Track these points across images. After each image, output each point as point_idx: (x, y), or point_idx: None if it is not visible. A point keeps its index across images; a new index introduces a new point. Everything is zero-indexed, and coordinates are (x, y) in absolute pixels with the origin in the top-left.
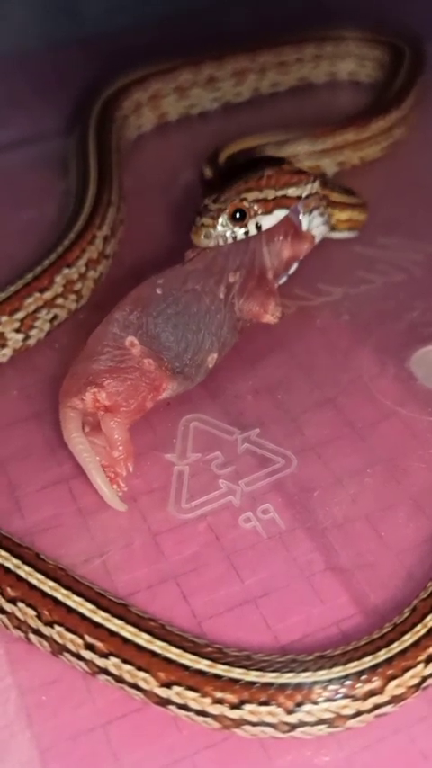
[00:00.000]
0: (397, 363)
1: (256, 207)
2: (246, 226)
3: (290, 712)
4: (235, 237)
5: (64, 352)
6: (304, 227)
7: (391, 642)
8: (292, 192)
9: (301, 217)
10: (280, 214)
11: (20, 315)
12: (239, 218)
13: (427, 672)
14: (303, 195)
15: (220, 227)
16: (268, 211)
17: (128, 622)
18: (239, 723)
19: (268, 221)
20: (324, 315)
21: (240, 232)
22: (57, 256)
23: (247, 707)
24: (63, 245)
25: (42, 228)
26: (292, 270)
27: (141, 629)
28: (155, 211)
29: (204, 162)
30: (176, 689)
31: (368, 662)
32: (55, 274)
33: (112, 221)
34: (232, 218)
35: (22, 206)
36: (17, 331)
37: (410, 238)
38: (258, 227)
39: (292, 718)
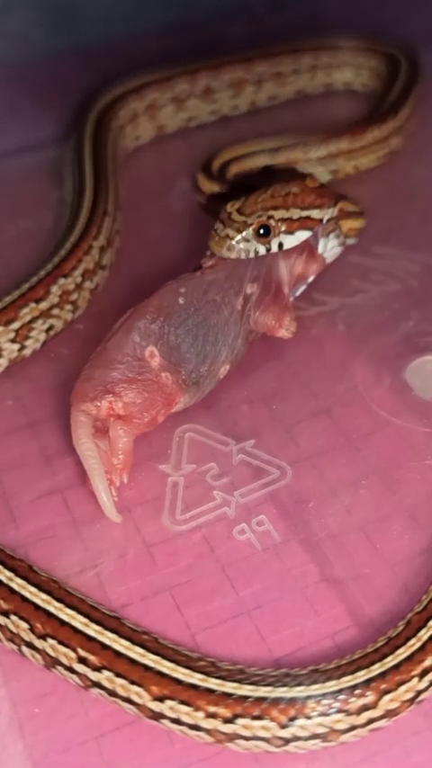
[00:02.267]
0: (392, 374)
1: (281, 226)
2: (269, 243)
3: (283, 727)
4: (257, 253)
5: (60, 363)
6: (320, 249)
7: (385, 656)
8: (315, 214)
9: (319, 239)
10: (302, 236)
11: (15, 325)
12: (263, 234)
13: (420, 686)
14: (325, 219)
15: (243, 242)
16: (291, 232)
17: (121, 635)
18: (232, 737)
19: (290, 242)
20: (319, 325)
21: (262, 249)
22: (53, 266)
23: (241, 721)
24: (59, 255)
25: (38, 238)
26: (299, 291)
27: (134, 643)
28: (151, 222)
29: (198, 169)
30: (169, 703)
31: (362, 676)
32: (51, 284)
33: (108, 231)
34: (257, 234)
35: (18, 215)
36: (13, 341)
37: (406, 248)
38: (280, 245)
39: (286, 733)
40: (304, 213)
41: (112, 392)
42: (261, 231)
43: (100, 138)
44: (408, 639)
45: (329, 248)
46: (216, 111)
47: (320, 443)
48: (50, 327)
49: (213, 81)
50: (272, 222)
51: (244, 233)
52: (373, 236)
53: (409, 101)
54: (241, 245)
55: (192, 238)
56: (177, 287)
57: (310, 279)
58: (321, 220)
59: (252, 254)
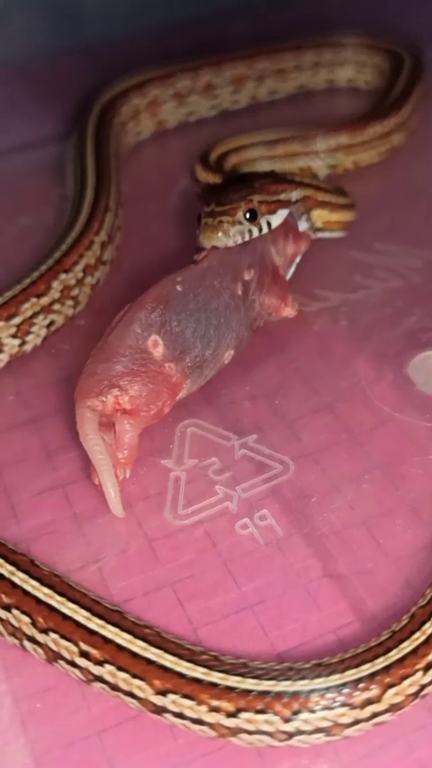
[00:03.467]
0: (395, 369)
1: (262, 207)
2: (258, 224)
3: (287, 721)
4: (251, 234)
5: (61, 358)
6: (301, 228)
7: (389, 650)
8: (283, 197)
9: (297, 220)
10: (283, 213)
11: (17, 320)
12: (251, 217)
13: (425, 680)
14: (293, 200)
15: (237, 225)
16: (272, 211)
17: (123, 629)
18: (236, 731)
19: (275, 219)
20: (322, 321)
21: (255, 230)
22: (54, 262)
23: (244, 715)
24: (60, 250)
25: (40, 234)
26: (293, 267)
27: (136, 637)
28: (152, 217)
29: (196, 161)
30: (172, 697)
31: (366, 670)
32: (52, 280)
33: (109, 227)
34: (245, 217)
35: (19, 211)
36: (14, 336)
37: (408, 244)
38: (269, 224)
39: (289, 727)
40: (274, 197)
41: (117, 386)
42: (248, 215)
43: (102, 134)
44: (412, 633)
45: (306, 228)
46: (216, 106)
47: (323, 438)
48: (51, 323)
49: (215, 77)
50: (255, 204)
51: (236, 216)
52: (376, 232)
53: (411, 97)
54: (235, 227)
55: (193, 233)
56: (174, 276)
57: (298, 259)
58: (290, 201)
59: (246, 236)
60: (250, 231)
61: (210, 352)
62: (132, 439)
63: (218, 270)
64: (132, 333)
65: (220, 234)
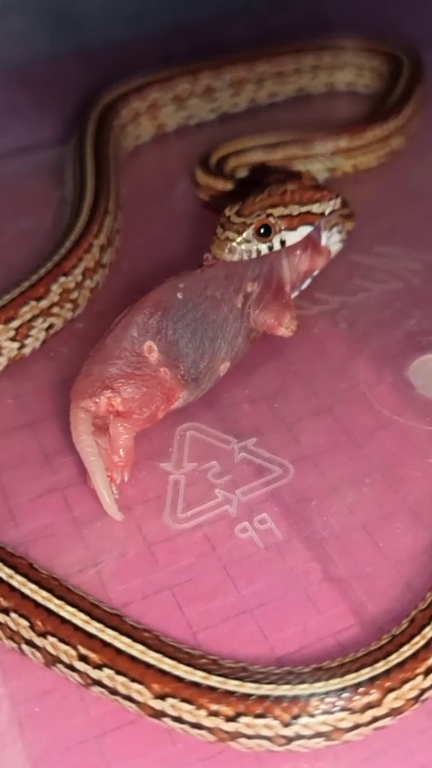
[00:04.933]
0: (395, 372)
1: (281, 223)
2: (270, 241)
3: (286, 725)
4: (259, 253)
5: (59, 361)
6: (323, 242)
7: (389, 654)
8: (315, 208)
9: (321, 232)
10: (304, 231)
11: (15, 323)
12: (264, 233)
13: (425, 684)
14: (327, 212)
15: (244, 243)
16: (293, 228)
17: (121, 633)
18: (235, 736)
19: (292, 238)
20: (321, 323)
21: (264, 247)
22: (53, 265)
23: (243, 719)
24: (59, 253)
25: (39, 236)
26: (305, 284)
27: (135, 640)
28: (152, 221)
29: (196, 164)
30: (171, 701)
31: (366, 674)
32: (51, 283)
33: (109, 230)
34: (257, 234)
35: (19, 214)
36: (12, 339)
37: (408, 247)
38: (282, 242)
39: (289, 731)
40: (304, 209)
41: (110, 388)
42: (261, 231)
43: (101, 137)
44: (412, 637)
45: (333, 242)
46: (216, 109)
47: (322, 442)
48: (50, 326)
49: (214, 80)
50: (271, 220)
51: (244, 234)
52: (375, 234)
53: (411, 101)
54: (242, 246)
55: (192, 237)
56: (176, 282)
57: (316, 272)
58: (322, 214)
59: (254, 255)
60: (258, 251)
61: (204, 364)
62: (127, 441)
63: (222, 280)
64: (129, 336)
65: (225, 250)
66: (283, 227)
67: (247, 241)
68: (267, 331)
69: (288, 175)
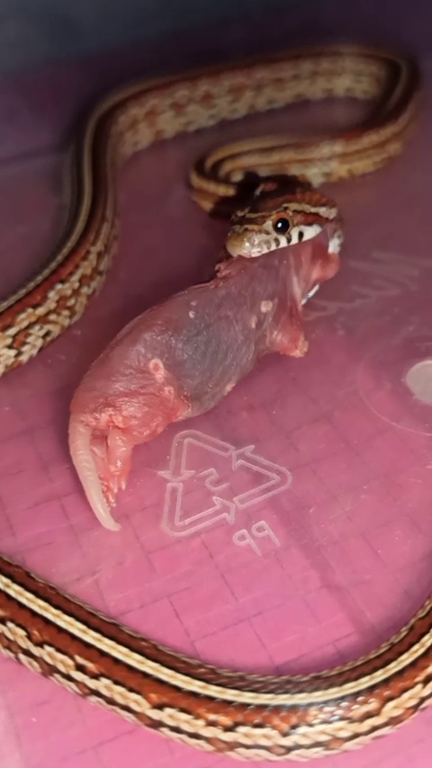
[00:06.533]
0: (393, 378)
1: (298, 217)
2: (289, 234)
3: (285, 735)
4: (277, 244)
5: (57, 369)
6: (331, 249)
7: (388, 662)
8: (323, 212)
9: (329, 240)
10: (315, 229)
11: (12, 331)
12: (282, 227)
13: (425, 693)
14: (331, 218)
15: (263, 234)
16: (308, 223)
17: (119, 642)
18: (233, 746)
19: (309, 232)
20: (319, 330)
21: (283, 240)
22: (50, 272)
23: (241, 729)
24: (56, 260)
25: (37, 243)
26: (313, 292)
27: (132, 650)
28: (150, 227)
29: (191, 167)
30: (168, 711)
31: (365, 683)
32: (48, 290)
33: (106, 237)
34: (275, 227)
35: (16, 221)
36: (9, 347)
37: (406, 253)
38: (300, 235)
39: (288, 741)
40: (314, 209)
41: (112, 405)
42: (279, 224)
43: (99, 143)
44: (411, 645)
45: (335, 250)
46: (215, 116)
47: (321, 448)
48: (48, 333)
49: (213, 87)
50: (289, 213)
51: (264, 225)
52: (373, 241)
53: (409, 107)
54: (261, 236)
55: (190, 244)
56: (189, 299)
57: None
58: (328, 218)
59: (273, 246)
60: (277, 241)
61: (211, 385)
62: (125, 453)
63: (236, 298)
64: (135, 352)
65: (244, 242)
66: (300, 221)
67: (266, 232)
68: (281, 352)
69: (288, 180)
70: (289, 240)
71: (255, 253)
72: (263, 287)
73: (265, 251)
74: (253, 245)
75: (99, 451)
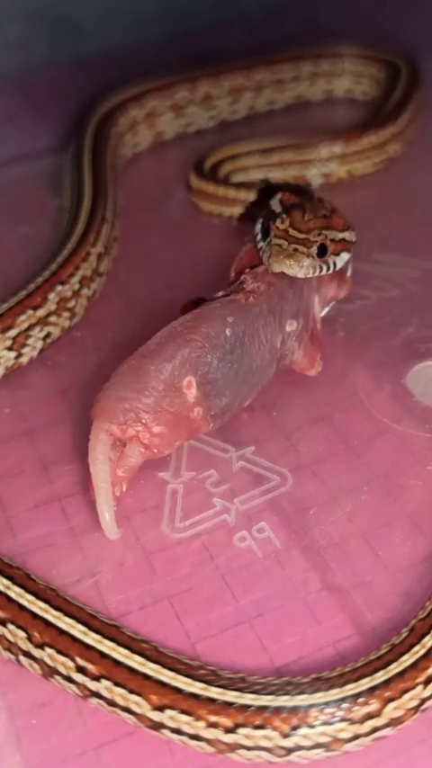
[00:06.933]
0: (393, 379)
1: (332, 246)
2: (326, 263)
3: (286, 736)
4: (320, 271)
5: (57, 370)
6: (348, 272)
7: (389, 663)
8: (348, 236)
9: (350, 263)
10: (345, 257)
11: (12, 332)
12: (320, 253)
13: (425, 694)
14: (353, 240)
15: (311, 259)
16: (337, 253)
17: (119, 644)
18: (234, 747)
19: (339, 263)
20: (320, 333)
21: (324, 268)
22: (50, 273)
23: (242, 731)
24: (57, 262)
25: (37, 245)
26: (324, 312)
27: (133, 651)
28: (150, 229)
29: (190, 168)
30: (169, 712)
31: (365, 684)
32: (48, 292)
33: (106, 238)
34: (316, 253)
35: (16, 222)
36: (9, 349)
37: (406, 254)
38: (334, 265)
39: (288, 742)
40: (341, 235)
41: (141, 421)
42: (318, 250)
43: (99, 145)
44: (412, 646)
45: (350, 270)
46: (215, 117)
47: (321, 450)
48: (48, 335)
49: (213, 88)
50: (328, 242)
51: (312, 249)
52: (373, 242)
53: (408, 108)
54: (309, 260)
55: (190, 245)
56: (226, 314)
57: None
58: (352, 242)
59: (315, 272)
60: (320, 268)
61: (236, 404)
62: (137, 463)
63: (267, 316)
64: (171, 368)
65: (293, 263)
66: (333, 250)
67: (312, 257)
68: (297, 370)
69: (302, 191)
70: (326, 269)
71: (301, 275)
72: (289, 305)
73: (309, 275)
74: (302, 268)
75: (111, 454)
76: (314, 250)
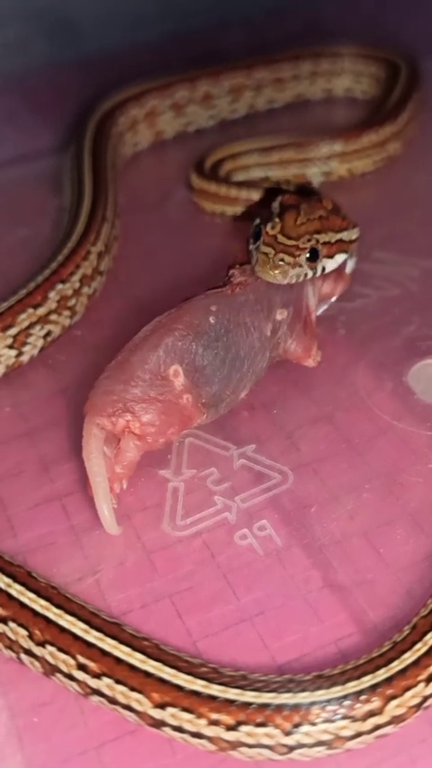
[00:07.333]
0: (394, 378)
1: (324, 249)
2: (315, 267)
3: (287, 734)
4: (305, 277)
5: (58, 369)
6: (348, 269)
7: (391, 661)
8: (345, 236)
9: (349, 260)
10: (339, 259)
11: (13, 331)
12: (311, 258)
13: (427, 691)
14: (353, 238)
15: (297, 268)
16: (330, 255)
17: (121, 642)
18: (236, 745)
19: (331, 265)
20: (320, 330)
21: (311, 273)
22: (51, 272)
23: (244, 728)
24: (57, 260)
25: (37, 245)
26: (321, 309)
27: (135, 649)
28: (150, 228)
29: (191, 167)
30: (171, 710)
31: (367, 681)
32: (49, 290)
33: (106, 237)
34: (306, 259)
35: (17, 222)
36: (10, 347)
37: (406, 253)
38: (323, 269)
39: (290, 740)
40: (337, 236)
41: (130, 411)
42: (309, 255)
43: (99, 145)
44: (414, 644)
45: (350, 269)
46: (215, 116)
47: (322, 448)
48: (48, 333)
49: (213, 87)
50: (319, 246)
51: (299, 258)
52: (374, 241)
53: (408, 106)
54: (295, 269)
55: (190, 244)
56: (209, 303)
57: (334, 298)
58: (351, 242)
59: (302, 278)
60: (306, 274)
61: (228, 392)
62: (134, 457)
63: (254, 305)
64: (156, 357)
65: (278, 273)
66: (325, 253)
67: (299, 266)
68: (294, 360)
69: (307, 194)
70: (315, 273)
71: (284, 282)
72: (278, 295)
73: (294, 282)
74: (285, 277)
75: (108, 451)
76: (302, 258)
